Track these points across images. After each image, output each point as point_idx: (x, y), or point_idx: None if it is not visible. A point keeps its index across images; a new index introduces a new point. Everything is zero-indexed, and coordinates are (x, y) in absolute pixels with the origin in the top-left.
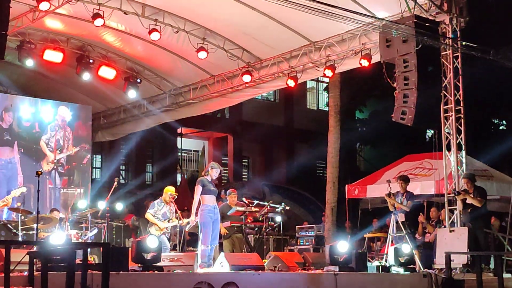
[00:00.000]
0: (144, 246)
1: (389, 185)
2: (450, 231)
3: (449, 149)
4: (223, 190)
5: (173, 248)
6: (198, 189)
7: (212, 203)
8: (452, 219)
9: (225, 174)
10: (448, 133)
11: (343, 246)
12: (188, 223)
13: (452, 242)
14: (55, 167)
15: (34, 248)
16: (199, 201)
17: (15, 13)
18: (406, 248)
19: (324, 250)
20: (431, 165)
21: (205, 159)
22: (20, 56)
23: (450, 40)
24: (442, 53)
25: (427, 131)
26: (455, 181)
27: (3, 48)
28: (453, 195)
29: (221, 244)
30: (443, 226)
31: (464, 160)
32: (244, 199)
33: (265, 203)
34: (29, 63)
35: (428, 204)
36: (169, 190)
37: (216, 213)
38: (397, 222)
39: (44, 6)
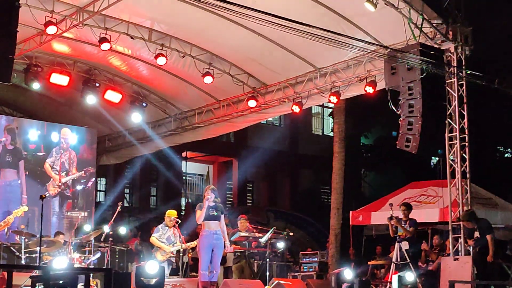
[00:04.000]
0: (144, 271)
1: (391, 208)
2: (454, 260)
3: (453, 176)
4: (227, 215)
5: (176, 273)
6: (196, 213)
7: (212, 228)
8: (456, 247)
9: (229, 199)
10: (452, 160)
11: (348, 273)
12: (193, 248)
13: (456, 271)
14: (60, 190)
15: (37, 272)
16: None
17: (23, 37)
18: (410, 276)
19: (329, 278)
20: (436, 193)
21: (210, 183)
22: (26, 79)
23: (455, 69)
24: (447, 81)
25: (432, 157)
26: (459, 209)
27: (9, 72)
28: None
29: (226, 270)
30: (446, 254)
31: (468, 188)
32: (247, 224)
33: (269, 229)
34: (36, 86)
35: (432, 232)
36: (171, 214)
37: (216, 238)
38: (400, 249)
39: (51, 30)
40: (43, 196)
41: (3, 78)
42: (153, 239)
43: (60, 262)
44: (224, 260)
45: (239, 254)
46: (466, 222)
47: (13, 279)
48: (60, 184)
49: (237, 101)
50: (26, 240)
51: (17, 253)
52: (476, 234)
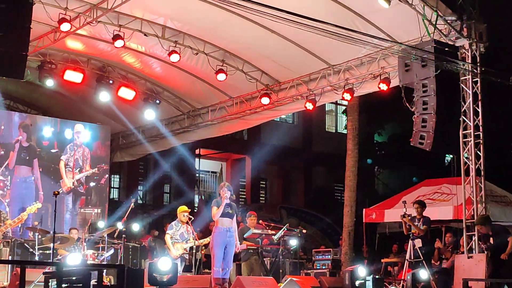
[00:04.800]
0: (157, 268)
1: (404, 206)
2: (468, 257)
3: (468, 174)
4: (240, 213)
5: (189, 269)
6: (212, 210)
7: (226, 226)
8: (470, 245)
9: (243, 196)
10: (466, 158)
11: (361, 271)
12: (206, 245)
13: (470, 269)
14: (74, 186)
15: (50, 268)
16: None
17: (36, 34)
18: (424, 274)
19: (343, 275)
20: (450, 190)
21: (223, 180)
22: (40, 76)
23: (470, 65)
24: (462, 78)
25: (446, 155)
26: (473, 206)
27: (23, 68)
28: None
29: (239, 267)
30: (460, 252)
31: (483, 186)
32: (260, 221)
33: (282, 226)
34: (49, 83)
35: (446, 230)
36: (183, 209)
37: (230, 235)
38: (414, 247)
39: (65, 27)
40: (57, 192)
41: (17, 75)
42: (167, 237)
43: (74, 259)
44: (236, 256)
45: (251, 251)
46: (480, 226)
47: (26, 275)
48: (73, 181)
49: (250, 98)
50: (40, 236)
51: (31, 249)
52: (491, 239)
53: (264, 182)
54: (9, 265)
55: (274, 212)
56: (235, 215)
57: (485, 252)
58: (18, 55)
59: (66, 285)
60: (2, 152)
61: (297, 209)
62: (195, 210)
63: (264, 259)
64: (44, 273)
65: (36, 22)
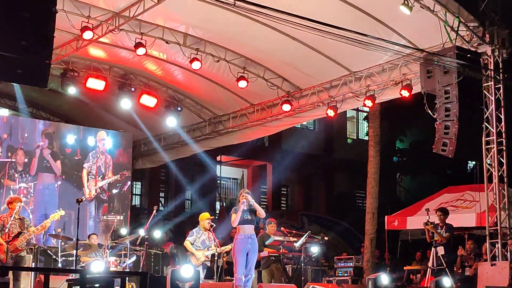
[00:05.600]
0: (179, 275)
1: (428, 213)
2: (492, 265)
3: (490, 181)
4: (262, 220)
5: (210, 276)
6: (231, 217)
7: (247, 232)
8: (494, 253)
9: (264, 203)
10: (489, 165)
11: (384, 279)
12: (227, 252)
13: (494, 276)
14: (96, 194)
15: (73, 276)
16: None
17: (59, 42)
18: (447, 281)
19: (366, 282)
20: (472, 197)
21: (244, 187)
22: (63, 83)
23: (492, 72)
24: (484, 85)
25: (469, 162)
26: (496, 214)
27: (46, 77)
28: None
29: (260, 274)
30: (483, 260)
31: (506, 193)
32: (282, 228)
33: (304, 233)
34: (72, 90)
35: (469, 237)
36: (205, 216)
37: (251, 242)
38: (437, 254)
39: (87, 35)
40: (80, 200)
41: (41, 83)
42: (186, 243)
43: (97, 266)
44: (257, 264)
45: (273, 258)
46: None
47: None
48: (96, 188)
49: (271, 105)
50: (63, 243)
51: (54, 256)
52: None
53: (285, 189)
54: (32, 272)
55: (295, 219)
56: (256, 222)
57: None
58: (42, 64)
59: None
60: (26, 160)
61: (318, 216)
62: (216, 217)
63: (286, 266)
64: (67, 280)
65: (59, 31)
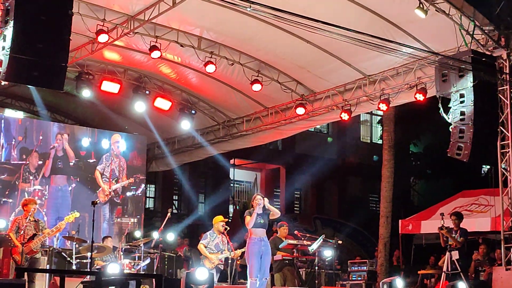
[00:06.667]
0: (194, 277)
1: (442, 218)
2: (506, 270)
3: (506, 185)
4: (275, 223)
5: (224, 279)
6: (246, 219)
7: (259, 236)
8: (509, 257)
9: (277, 206)
10: (504, 169)
11: (399, 283)
12: (240, 255)
13: (509, 281)
14: (110, 196)
15: (88, 278)
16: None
17: (74, 45)
18: (462, 286)
19: (380, 286)
20: (487, 202)
21: (257, 190)
22: (78, 86)
23: (507, 76)
24: (499, 88)
25: (483, 166)
26: (511, 218)
27: (62, 80)
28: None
29: (272, 277)
30: (498, 264)
31: None
32: (296, 232)
33: (317, 237)
34: (86, 93)
35: (483, 242)
36: (220, 219)
37: (264, 245)
38: (451, 259)
39: (102, 38)
40: (95, 202)
41: (57, 86)
42: (200, 246)
43: (112, 268)
44: (270, 267)
45: (287, 261)
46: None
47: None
48: (110, 191)
49: (285, 108)
50: (77, 245)
51: (68, 259)
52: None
53: (298, 192)
54: (47, 274)
55: (308, 223)
56: (269, 225)
57: None
58: (58, 66)
59: None
60: (41, 162)
61: (331, 220)
62: (230, 220)
63: (300, 270)
64: (82, 282)
65: (74, 33)
